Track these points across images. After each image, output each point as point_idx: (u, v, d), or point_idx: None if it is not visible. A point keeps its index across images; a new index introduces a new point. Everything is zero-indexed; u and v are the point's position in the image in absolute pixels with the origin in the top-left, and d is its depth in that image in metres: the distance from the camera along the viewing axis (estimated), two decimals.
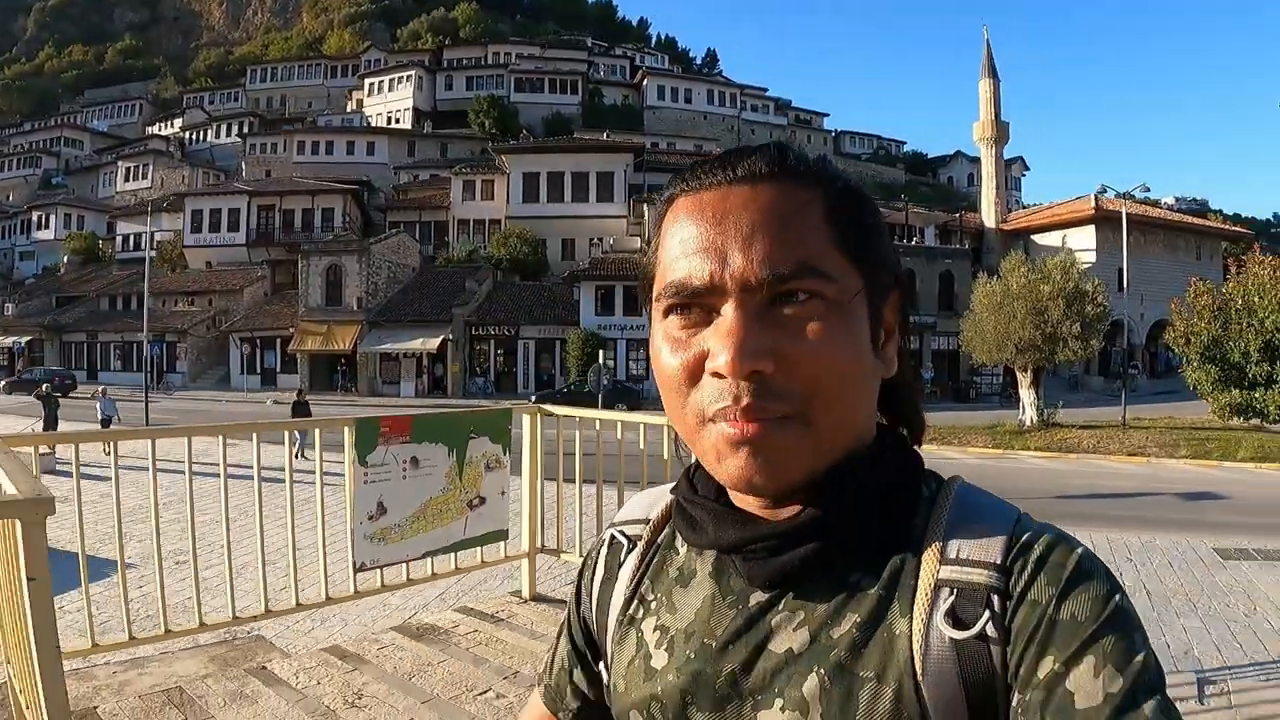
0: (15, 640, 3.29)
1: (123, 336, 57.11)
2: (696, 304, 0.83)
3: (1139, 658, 0.73)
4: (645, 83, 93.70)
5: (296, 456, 20.28)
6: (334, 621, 7.50)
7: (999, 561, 0.80)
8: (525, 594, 6.41)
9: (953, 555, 0.82)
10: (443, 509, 5.55)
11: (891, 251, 0.90)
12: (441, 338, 47.10)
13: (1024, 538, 0.82)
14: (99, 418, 24.66)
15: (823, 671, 0.81)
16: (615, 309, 47.41)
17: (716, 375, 0.81)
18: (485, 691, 4.67)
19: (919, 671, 0.78)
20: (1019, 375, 31.00)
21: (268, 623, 5.86)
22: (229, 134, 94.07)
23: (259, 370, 52.38)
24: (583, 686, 1.08)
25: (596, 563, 1.09)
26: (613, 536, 1.08)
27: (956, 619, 0.79)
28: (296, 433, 20.01)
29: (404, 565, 5.54)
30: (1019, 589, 0.78)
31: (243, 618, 5.05)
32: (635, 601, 1.00)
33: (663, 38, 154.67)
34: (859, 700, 0.80)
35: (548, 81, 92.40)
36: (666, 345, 0.85)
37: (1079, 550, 0.80)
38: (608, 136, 68.92)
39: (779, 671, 0.84)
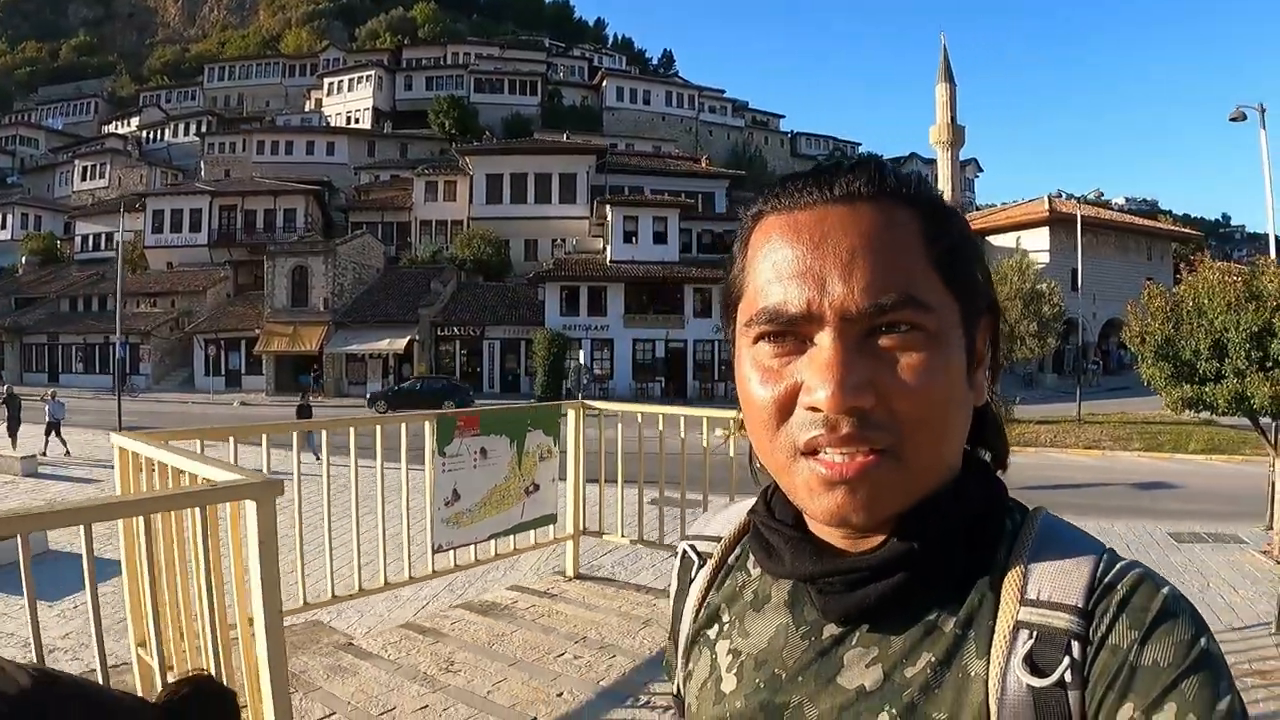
0: (173, 616, 3.82)
1: (85, 339, 56.63)
2: (791, 332, 0.81)
3: (1223, 705, 0.70)
4: (604, 84, 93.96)
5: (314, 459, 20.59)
6: (390, 603, 8.09)
7: (1081, 605, 0.77)
8: (569, 572, 7.02)
9: (1033, 595, 0.79)
10: (505, 495, 6.19)
11: (984, 274, 0.88)
12: (409, 338, 47.34)
13: (1108, 578, 0.78)
14: (47, 421, 25.21)
15: (894, 711, 0.79)
16: (580, 309, 47.84)
17: (813, 409, 0.79)
18: (562, 654, 5.30)
19: (993, 717, 0.76)
20: None
21: (328, 609, 6.29)
22: (187, 133, 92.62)
23: (224, 372, 52.17)
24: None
25: (671, 577, 1.11)
26: (684, 552, 1.09)
27: (1034, 665, 0.76)
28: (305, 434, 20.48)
29: (472, 547, 6.15)
30: (1099, 634, 0.75)
31: (341, 596, 5.53)
32: (709, 620, 1.00)
33: (619, 38, 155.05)
34: None
35: (507, 82, 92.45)
36: (756, 374, 0.83)
37: (1165, 591, 0.77)
38: (567, 138, 69.26)
39: (848, 707, 0.82)
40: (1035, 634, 0.76)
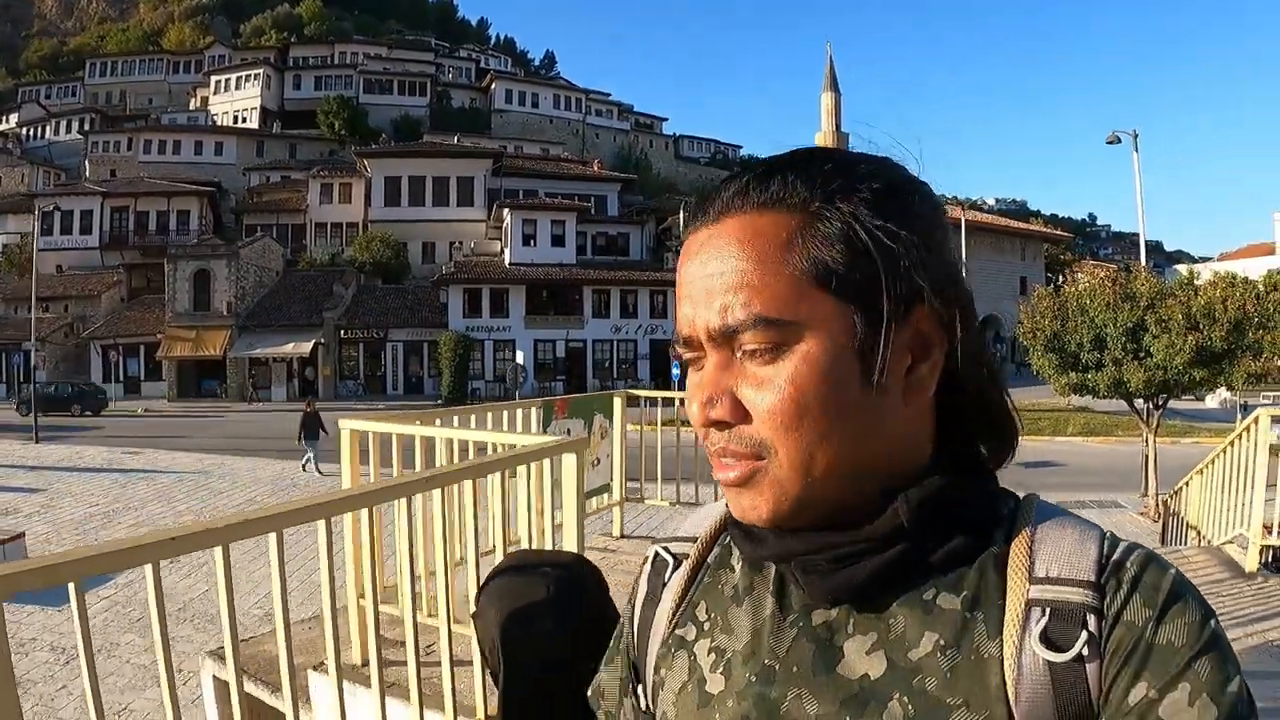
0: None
1: None
2: (696, 353, 0.83)
3: (1233, 687, 0.70)
4: (493, 86, 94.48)
5: (304, 469, 21.26)
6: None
7: (1093, 579, 0.76)
8: (616, 533, 8.23)
9: (1042, 574, 0.78)
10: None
11: (919, 259, 0.80)
12: (314, 341, 47.71)
13: (1116, 555, 0.78)
14: None
15: (905, 699, 0.77)
16: (482, 311, 48.85)
17: None
18: None
19: (1012, 698, 0.74)
20: None
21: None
22: (69, 131, 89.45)
23: (122, 378, 51.28)
24: (631, 715, 1.02)
25: (637, 582, 1.05)
26: (656, 554, 1.05)
27: (1050, 641, 0.75)
28: (305, 446, 21.23)
29: None
30: (1114, 609, 0.75)
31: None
32: (686, 622, 0.95)
33: (501, 39, 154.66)
34: None
35: (397, 83, 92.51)
36: (688, 391, 0.86)
37: (1173, 572, 0.77)
38: (458, 140, 69.87)
39: (854, 698, 0.79)
40: (1048, 611, 0.76)
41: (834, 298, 0.78)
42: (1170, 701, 0.70)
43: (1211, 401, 34.27)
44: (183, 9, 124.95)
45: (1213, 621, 0.74)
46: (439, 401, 43.88)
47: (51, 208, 55.09)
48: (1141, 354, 13.61)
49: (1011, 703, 0.74)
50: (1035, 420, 30.98)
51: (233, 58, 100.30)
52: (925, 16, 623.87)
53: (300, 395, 47.76)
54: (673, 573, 1.00)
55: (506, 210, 51.34)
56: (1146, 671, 0.72)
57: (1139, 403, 14.52)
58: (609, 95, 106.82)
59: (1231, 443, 7.63)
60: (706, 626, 0.93)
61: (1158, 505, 11.92)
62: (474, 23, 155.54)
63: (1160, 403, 14.23)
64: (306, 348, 47.50)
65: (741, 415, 0.79)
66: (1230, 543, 7.47)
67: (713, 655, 0.90)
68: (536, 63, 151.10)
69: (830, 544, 0.82)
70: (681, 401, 7.45)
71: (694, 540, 1.01)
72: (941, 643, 0.78)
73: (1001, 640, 0.76)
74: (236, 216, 64.07)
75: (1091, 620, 0.75)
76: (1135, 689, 0.71)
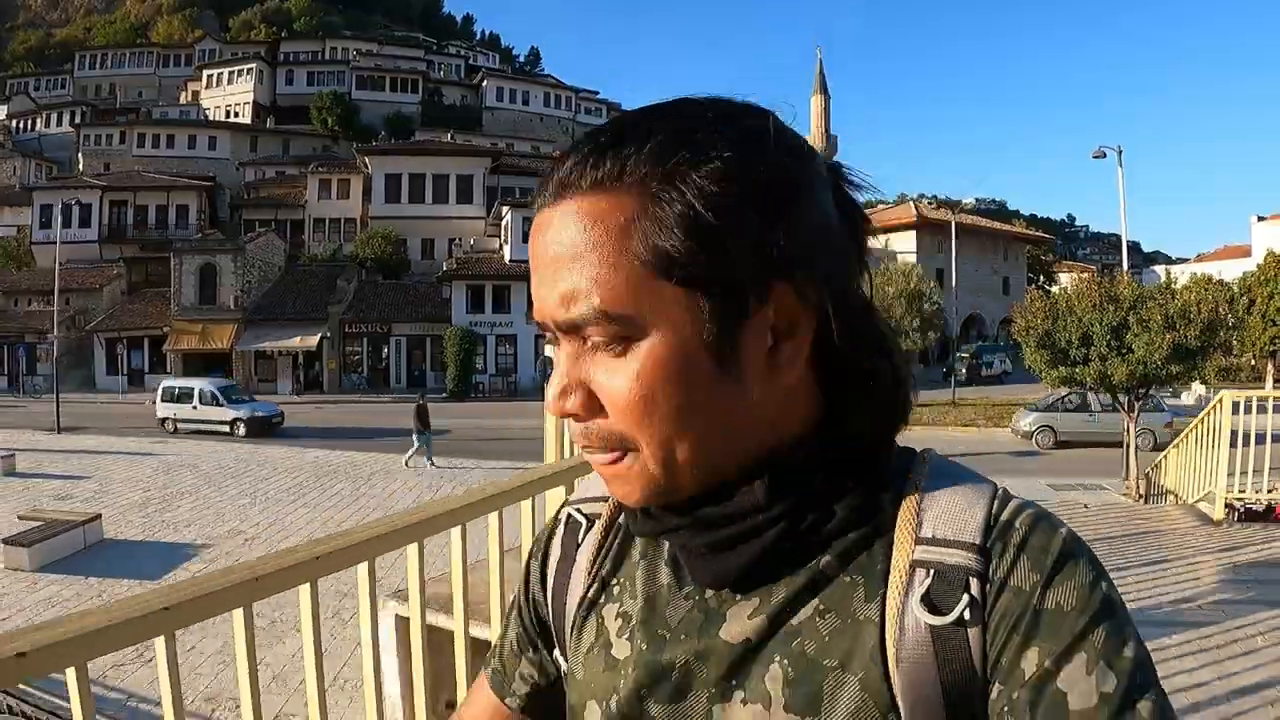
0: None
1: None
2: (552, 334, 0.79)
3: (1129, 653, 0.68)
4: (485, 84, 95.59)
5: (406, 464, 21.94)
6: None
7: (977, 542, 0.74)
8: None
9: (928, 534, 0.76)
10: None
11: (775, 234, 0.74)
12: (320, 335, 48.48)
13: (1003, 515, 0.76)
14: None
15: (785, 661, 0.76)
16: (485, 307, 49.91)
17: None
18: None
19: (890, 659, 0.73)
20: None
21: None
22: (60, 124, 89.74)
23: (126, 371, 51.12)
24: (531, 673, 1.03)
25: (550, 543, 1.03)
26: (569, 516, 1.02)
27: (932, 604, 0.73)
28: (416, 439, 21.99)
29: None
30: (999, 574, 0.73)
31: None
32: (596, 585, 0.94)
33: (486, 34, 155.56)
34: (823, 690, 0.74)
35: (389, 79, 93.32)
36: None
37: (1062, 531, 0.75)
38: (451, 137, 71.23)
39: (737, 662, 0.79)
40: (932, 572, 0.74)
41: (679, 287, 0.73)
42: (1067, 672, 0.68)
43: (1188, 399, 36.04)
44: (170, 2, 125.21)
45: (1104, 584, 0.72)
46: (444, 395, 45.34)
47: (74, 202, 55.38)
48: (1124, 350, 15.01)
49: (891, 664, 0.73)
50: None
51: (223, 52, 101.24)
52: (906, 15, 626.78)
53: (305, 388, 49.20)
54: (585, 533, 0.99)
55: (506, 208, 52.41)
56: (1037, 639, 0.70)
57: (1122, 396, 16.00)
58: (597, 93, 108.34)
59: (1201, 420, 9.37)
60: (615, 590, 0.92)
61: (1138, 485, 13.45)
62: (459, 19, 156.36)
63: (1140, 395, 15.74)
64: (313, 341, 48.35)
65: (596, 408, 0.77)
66: (1201, 500, 9.21)
67: (619, 620, 0.89)
68: (521, 59, 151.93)
69: (704, 523, 0.80)
70: None
71: (605, 500, 0.99)
72: (821, 607, 0.77)
73: (884, 601, 0.75)
74: (233, 211, 64.72)
75: (974, 584, 0.73)
76: (1026, 657, 0.70)
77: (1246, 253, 63.48)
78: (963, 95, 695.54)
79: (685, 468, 0.77)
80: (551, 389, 0.78)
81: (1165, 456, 12.30)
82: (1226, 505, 8.49)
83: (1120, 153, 31.93)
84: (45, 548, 13.49)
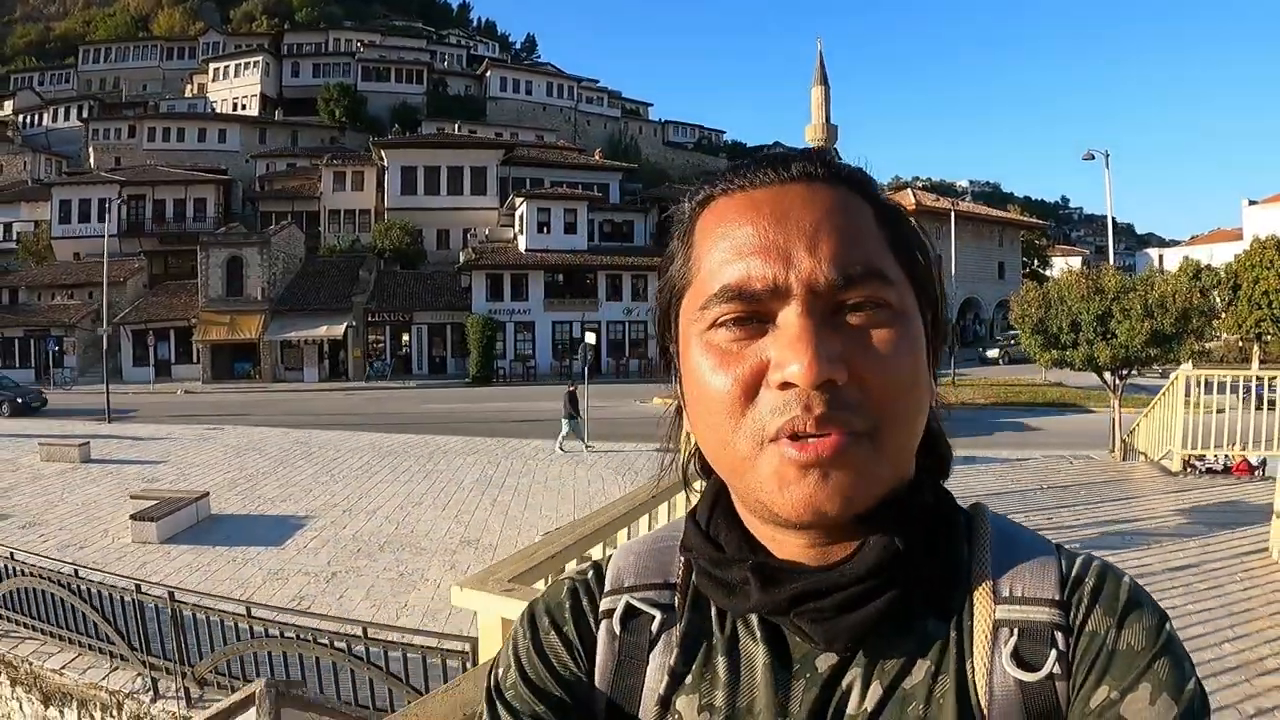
0: None
1: (2, 333, 55.59)
2: (753, 314, 0.75)
3: (1190, 686, 0.71)
4: (488, 74, 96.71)
5: (560, 448, 22.57)
6: None
7: (1058, 597, 0.77)
8: None
9: (1006, 593, 0.78)
10: None
11: (933, 269, 0.83)
12: (345, 324, 49.97)
13: (1074, 570, 0.79)
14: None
15: None
16: (504, 295, 51.58)
17: (784, 386, 0.72)
18: None
19: (981, 715, 0.74)
20: None
21: None
22: (67, 118, 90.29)
23: (153, 362, 52.32)
24: None
25: (595, 640, 0.89)
26: (630, 607, 0.88)
27: (1022, 660, 0.75)
28: (567, 423, 23.10)
29: None
30: (1078, 623, 0.75)
31: None
32: (668, 679, 0.84)
33: (483, 21, 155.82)
34: None
35: (394, 71, 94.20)
36: (711, 360, 0.76)
37: (1126, 580, 0.78)
38: (458, 128, 73.20)
39: None
40: (1018, 630, 0.76)
41: (909, 277, 0.79)
42: (1131, 700, 0.71)
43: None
44: None
45: (1168, 625, 0.75)
46: (467, 380, 47.38)
47: (118, 198, 56.22)
48: (1109, 335, 16.77)
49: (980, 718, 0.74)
50: (1017, 394, 35.38)
51: (226, 44, 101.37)
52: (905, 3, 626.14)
53: (330, 376, 50.92)
54: (660, 629, 0.87)
55: (521, 199, 54.05)
56: (1109, 676, 0.73)
57: (1107, 376, 17.89)
58: (598, 81, 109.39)
59: (1164, 393, 11.68)
60: (690, 682, 0.83)
61: (1121, 450, 15.42)
62: (455, 6, 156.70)
63: (1124, 375, 17.62)
64: (339, 330, 49.78)
65: (854, 378, 0.73)
66: (1164, 457, 11.53)
67: (705, 714, 0.81)
68: (518, 46, 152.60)
69: (828, 587, 0.76)
70: None
71: (670, 587, 0.89)
72: (931, 668, 0.77)
73: (972, 661, 0.76)
74: (246, 203, 65.99)
75: (1060, 638, 0.75)
76: (1098, 692, 0.73)
77: (1238, 236, 65.53)
78: (959, 78, 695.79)
79: (904, 464, 0.78)
80: (806, 353, 0.70)
81: (1137, 424, 14.52)
82: (1188, 463, 10.75)
83: (1108, 156, 33.96)
84: (169, 522, 15.39)
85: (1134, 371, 17.20)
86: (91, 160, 77.86)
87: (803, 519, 0.74)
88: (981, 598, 0.78)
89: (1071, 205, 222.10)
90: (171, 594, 8.78)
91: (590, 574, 0.93)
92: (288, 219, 60.42)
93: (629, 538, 2.98)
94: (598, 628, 0.89)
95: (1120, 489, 10.61)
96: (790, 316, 0.73)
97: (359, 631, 7.55)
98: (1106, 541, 7.79)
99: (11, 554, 11.15)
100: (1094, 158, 33.76)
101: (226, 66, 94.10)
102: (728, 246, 0.77)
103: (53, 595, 10.17)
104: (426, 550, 14.11)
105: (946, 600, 0.79)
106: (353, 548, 14.42)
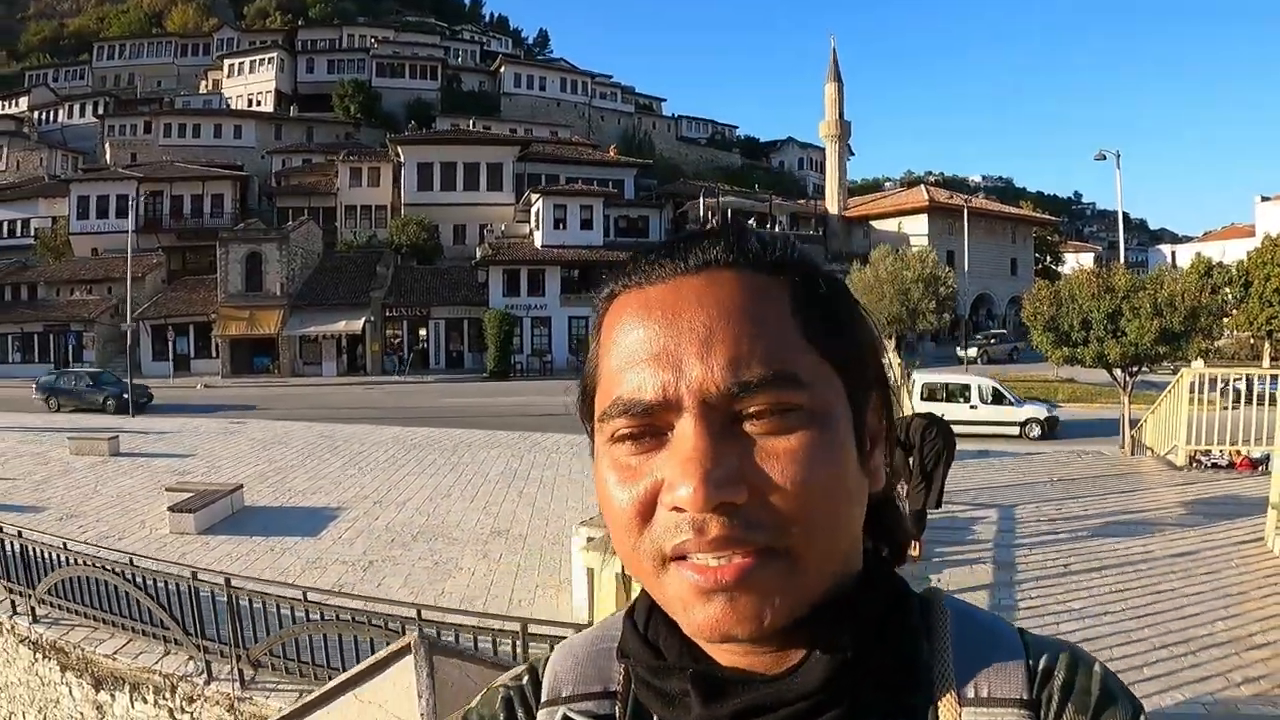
0: None
1: (22, 328, 56.02)
2: (649, 426, 0.70)
3: None
4: (503, 70, 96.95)
5: None
6: None
7: (1026, 696, 0.72)
8: None
9: (971, 695, 0.73)
10: None
11: (872, 346, 0.78)
12: (364, 319, 50.36)
13: (1042, 663, 0.74)
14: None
15: None
16: (521, 290, 52.14)
17: (677, 509, 0.67)
18: None
19: None
20: (885, 343, 41.00)
21: None
22: (82, 114, 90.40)
23: (171, 357, 51.84)
24: None
25: None
26: (567, 718, 0.82)
27: None
28: None
29: None
30: None
31: None
32: None
33: (495, 16, 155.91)
34: None
35: (408, 67, 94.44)
36: (614, 475, 0.72)
37: (1098, 670, 0.74)
38: (473, 124, 73.43)
39: None
40: None
41: (833, 366, 0.72)
42: None
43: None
44: None
45: (1142, 717, 0.72)
46: (485, 375, 47.80)
47: (137, 194, 57.20)
48: (1119, 333, 17.15)
49: None
50: (1030, 389, 35.53)
51: (241, 41, 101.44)
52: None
53: (349, 370, 51.23)
54: None
55: (537, 195, 54.55)
56: None
57: (1117, 373, 18.30)
58: (611, 77, 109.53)
59: (1169, 391, 12.16)
60: None
61: (1130, 445, 15.84)
62: (467, 2, 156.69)
63: (1134, 372, 18.03)
64: (358, 325, 50.15)
65: (756, 495, 0.67)
66: (1169, 452, 12.02)
67: None
68: (530, 41, 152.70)
69: (770, 702, 0.71)
70: None
71: (609, 695, 0.83)
72: None
73: None
74: (263, 199, 66.55)
75: None
76: None
77: (1250, 233, 65.09)
78: (970, 74, 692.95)
79: (827, 570, 0.71)
80: (694, 476, 0.66)
81: (1145, 421, 14.98)
82: (1192, 458, 11.25)
83: (1119, 156, 34.31)
84: (206, 513, 15.80)
85: (1144, 368, 17.56)
86: (107, 156, 78.21)
87: (713, 640, 0.71)
88: (946, 704, 0.72)
89: (1084, 200, 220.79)
90: (228, 580, 9.24)
91: (526, 680, 0.88)
92: (304, 215, 60.74)
93: None
94: None
95: (1126, 482, 11.17)
96: (684, 430, 0.68)
97: (412, 614, 8.00)
98: (1111, 530, 8.28)
99: (65, 544, 11.61)
100: (1105, 158, 34.19)
101: (241, 63, 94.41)
102: (621, 353, 0.73)
103: (105, 584, 10.61)
104: (459, 540, 14.53)
105: (907, 707, 0.73)
106: (386, 538, 14.80)
